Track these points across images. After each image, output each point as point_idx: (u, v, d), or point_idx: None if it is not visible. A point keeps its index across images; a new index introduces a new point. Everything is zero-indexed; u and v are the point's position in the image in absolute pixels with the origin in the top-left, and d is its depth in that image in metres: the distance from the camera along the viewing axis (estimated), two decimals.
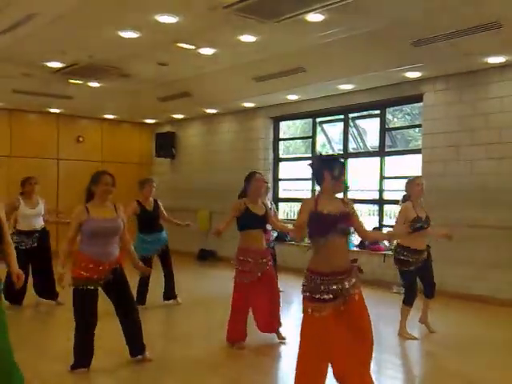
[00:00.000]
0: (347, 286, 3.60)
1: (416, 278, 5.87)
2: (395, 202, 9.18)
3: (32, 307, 7.24)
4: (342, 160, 3.81)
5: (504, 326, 6.55)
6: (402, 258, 5.76)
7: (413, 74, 8.20)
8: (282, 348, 5.52)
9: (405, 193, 6.02)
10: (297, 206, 11.28)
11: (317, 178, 3.76)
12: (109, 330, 4.88)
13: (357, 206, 10.62)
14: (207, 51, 7.59)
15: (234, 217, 5.37)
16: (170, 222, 7.47)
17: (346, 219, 3.66)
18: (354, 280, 3.65)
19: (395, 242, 5.90)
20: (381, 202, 9.49)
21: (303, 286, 3.68)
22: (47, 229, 7.33)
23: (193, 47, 7.41)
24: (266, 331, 5.63)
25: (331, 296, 3.55)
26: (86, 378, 4.54)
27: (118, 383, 4.58)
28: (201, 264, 11.73)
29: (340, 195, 3.89)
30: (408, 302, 5.83)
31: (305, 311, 3.66)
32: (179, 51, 7.55)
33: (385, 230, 9.31)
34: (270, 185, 11.20)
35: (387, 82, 8.68)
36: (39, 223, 7.17)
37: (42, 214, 7.19)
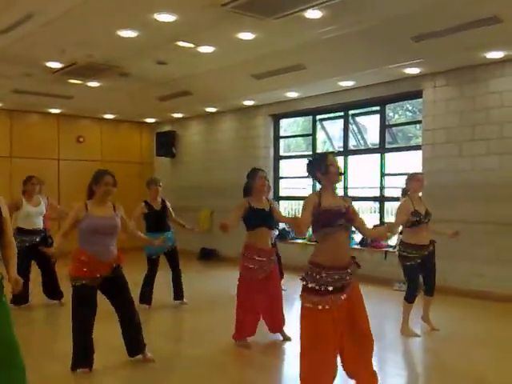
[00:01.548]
0: (347, 279, 3.72)
1: (418, 274, 5.85)
2: (396, 199, 9.20)
3: (37, 308, 7.25)
4: (326, 154, 4.07)
5: (506, 321, 6.53)
6: (402, 254, 5.79)
7: (412, 70, 8.17)
8: (288, 347, 5.49)
9: (403, 187, 6.03)
10: (298, 204, 11.28)
11: (315, 179, 3.99)
12: (111, 329, 4.87)
13: (357, 204, 10.58)
14: (206, 49, 7.59)
15: (239, 216, 5.33)
16: (175, 223, 7.41)
17: (347, 215, 3.79)
18: (351, 274, 3.76)
19: (398, 238, 5.90)
20: (381, 199, 9.48)
21: (303, 278, 3.76)
22: (48, 231, 7.32)
23: (192, 45, 7.40)
24: (275, 332, 5.66)
25: (331, 288, 3.64)
26: (88, 377, 4.53)
27: (120, 383, 4.58)
28: (202, 263, 11.72)
29: (340, 192, 4.00)
30: (409, 298, 5.80)
31: (304, 304, 3.72)
32: (178, 50, 7.54)
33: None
34: (271, 183, 11.23)
35: (387, 78, 8.66)
36: (41, 223, 7.16)
37: (43, 214, 7.19)
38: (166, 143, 13.43)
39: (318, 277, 3.67)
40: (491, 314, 6.93)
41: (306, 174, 4.01)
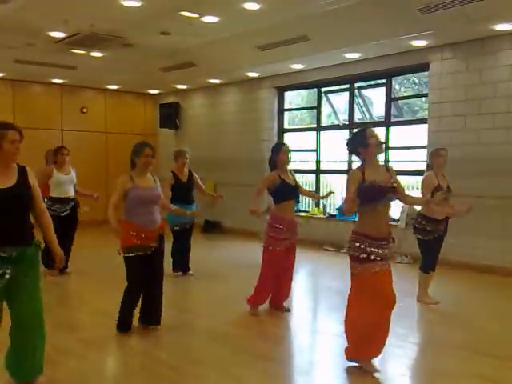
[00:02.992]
0: (388, 252, 3.91)
1: (434, 249, 5.88)
2: (400, 173, 9.16)
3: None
4: (364, 128, 4.10)
5: (509, 295, 6.58)
6: (420, 226, 5.82)
7: (420, 43, 8.06)
8: (292, 319, 5.55)
9: (428, 162, 6.09)
10: (301, 178, 11.25)
11: (356, 155, 4.09)
12: (117, 299, 4.91)
13: None
14: (211, 19, 7.47)
15: (266, 188, 5.49)
16: (205, 195, 7.49)
17: (392, 190, 3.92)
18: (391, 248, 3.95)
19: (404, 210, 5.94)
20: None
21: (350, 247, 3.92)
22: (77, 200, 7.36)
23: (196, 15, 7.29)
24: (277, 305, 5.69)
25: (373, 257, 3.83)
26: (95, 346, 4.60)
27: (126, 352, 4.64)
28: (206, 235, 11.77)
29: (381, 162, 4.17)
30: (426, 269, 5.88)
31: (352, 271, 3.95)
32: (182, 20, 7.43)
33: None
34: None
35: (393, 50, 8.54)
36: (72, 191, 7.18)
37: (74, 183, 7.21)
38: (170, 115, 13.36)
39: (361, 246, 3.83)
40: (494, 287, 6.98)
41: (347, 152, 4.13)
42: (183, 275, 7.41)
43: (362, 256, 3.82)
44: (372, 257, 3.80)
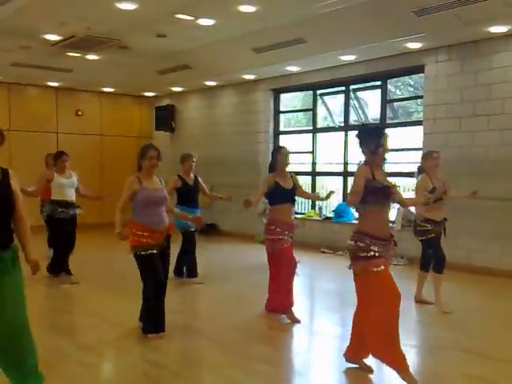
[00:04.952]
0: (389, 253, 3.94)
1: (436, 246, 5.93)
2: (394, 174, 9.18)
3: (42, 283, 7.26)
4: (383, 132, 3.97)
5: (505, 297, 6.59)
6: (420, 228, 5.91)
7: (414, 45, 8.09)
8: (289, 321, 5.41)
9: (419, 165, 6.10)
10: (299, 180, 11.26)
11: (361, 150, 3.98)
12: (115, 303, 4.90)
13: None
14: (206, 22, 7.49)
15: (265, 191, 5.50)
16: (211, 197, 7.49)
17: (393, 191, 3.90)
18: (391, 250, 3.97)
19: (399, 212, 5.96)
20: None
21: (354, 247, 3.87)
22: (77, 207, 7.22)
23: (192, 18, 7.30)
24: (280, 311, 5.52)
25: (378, 255, 3.82)
26: (92, 350, 4.58)
27: (122, 355, 4.61)
28: (203, 237, 11.72)
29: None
30: (424, 267, 6.01)
31: (358, 271, 3.90)
32: (178, 22, 7.45)
33: None
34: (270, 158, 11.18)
35: (388, 52, 8.57)
36: (72, 195, 7.11)
37: (75, 187, 7.14)
38: (165, 118, 13.36)
39: (363, 245, 3.81)
40: (490, 289, 6.99)
41: (357, 141, 3.97)
42: (188, 279, 7.27)
43: (363, 255, 3.81)
44: (373, 254, 3.79)
